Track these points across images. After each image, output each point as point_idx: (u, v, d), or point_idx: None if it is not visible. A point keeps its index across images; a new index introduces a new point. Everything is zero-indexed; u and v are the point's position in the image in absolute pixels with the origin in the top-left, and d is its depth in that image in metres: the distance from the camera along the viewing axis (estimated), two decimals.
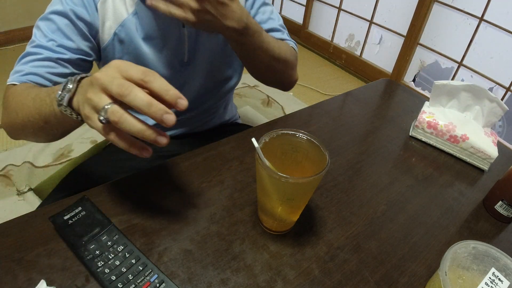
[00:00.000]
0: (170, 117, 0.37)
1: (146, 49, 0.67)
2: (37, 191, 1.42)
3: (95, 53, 0.66)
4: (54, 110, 0.47)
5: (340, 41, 2.62)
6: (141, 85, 0.38)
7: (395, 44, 2.26)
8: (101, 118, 0.38)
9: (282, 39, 0.78)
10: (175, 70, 0.71)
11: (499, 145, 0.71)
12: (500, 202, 0.57)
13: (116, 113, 0.37)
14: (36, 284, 0.39)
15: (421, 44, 2.12)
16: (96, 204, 0.48)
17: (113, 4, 0.63)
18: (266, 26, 0.77)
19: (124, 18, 0.64)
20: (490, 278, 0.42)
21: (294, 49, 0.80)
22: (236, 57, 0.79)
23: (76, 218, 0.45)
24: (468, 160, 0.69)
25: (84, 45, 0.63)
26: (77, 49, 0.62)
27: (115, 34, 0.64)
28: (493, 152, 0.66)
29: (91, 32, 0.63)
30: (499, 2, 1.74)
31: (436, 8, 1.99)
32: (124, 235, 0.45)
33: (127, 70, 0.38)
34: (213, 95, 0.83)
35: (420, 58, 2.17)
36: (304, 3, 2.75)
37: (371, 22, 2.35)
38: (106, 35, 0.64)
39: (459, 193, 0.63)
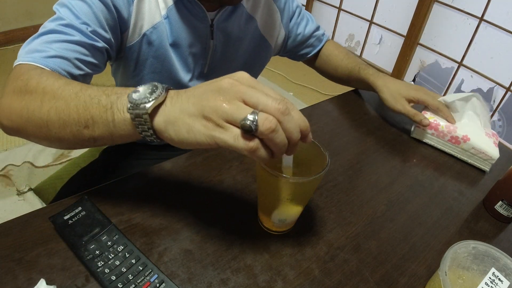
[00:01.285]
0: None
1: (172, 55, 0.65)
2: (37, 191, 1.42)
3: (116, 51, 0.61)
4: (113, 118, 0.38)
5: (340, 41, 2.62)
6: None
7: (395, 44, 2.26)
8: (251, 125, 0.31)
9: (322, 35, 0.87)
10: (194, 80, 0.71)
11: (499, 145, 0.71)
12: (500, 202, 0.57)
13: (272, 119, 0.31)
14: (36, 284, 0.39)
15: (421, 44, 2.12)
16: (96, 204, 0.48)
17: (149, 5, 0.60)
18: (307, 32, 0.83)
19: (157, 21, 0.61)
20: (490, 278, 0.42)
21: (334, 42, 0.90)
22: (255, 71, 0.82)
23: (76, 218, 0.45)
24: (469, 161, 0.69)
25: (114, 39, 0.58)
26: (108, 40, 0.56)
27: (145, 34, 0.61)
28: (495, 153, 0.66)
29: (122, 28, 0.59)
30: (499, 2, 1.74)
31: (436, 8, 1.99)
32: (124, 235, 0.45)
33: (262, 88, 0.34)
34: None
35: (420, 58, 2.17)
36: (304, 3, 2.75)
37: (371, 22, 2.34)
38: (136, 34, 0.61)
39: (459, 193, 0.63)
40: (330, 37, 0.91)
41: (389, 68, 2.33)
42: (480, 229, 0.57)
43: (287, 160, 0.41)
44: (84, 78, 0.54)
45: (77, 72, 0.51)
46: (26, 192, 1.38)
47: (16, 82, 0.45)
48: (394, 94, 0.74)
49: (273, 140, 0.32)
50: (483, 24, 1.82)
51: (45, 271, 0.41)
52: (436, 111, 0.71)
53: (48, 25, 0.51)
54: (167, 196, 0.53)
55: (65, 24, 0.51)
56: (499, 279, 0.41)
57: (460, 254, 0.44)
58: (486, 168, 0.68)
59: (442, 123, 0.70)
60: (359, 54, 2.50)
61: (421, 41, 2.12)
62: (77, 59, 0.51)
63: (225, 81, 0.33)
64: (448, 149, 0.71)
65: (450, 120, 0.70)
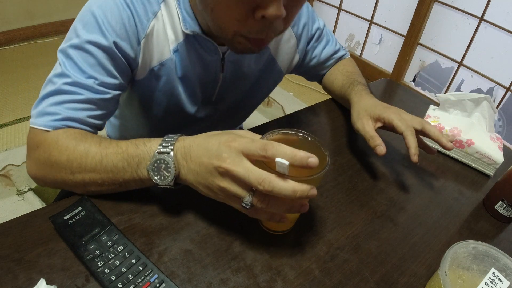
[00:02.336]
0: (314, 162, 0.38)
1: (180, 88, 0.63)
2: (37, 191, 1.42)
3: (129, 85, 0.61)
4: (140, 178, 0.47)
5: (340, 41, 2.62)
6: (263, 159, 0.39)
7: (395, 44, 2.26)
8: (247, 206, 0.40)
9: (340, 57, 0.82)
10: (201, 108, 0.70)
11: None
12: (500, 202, 0.57)
13: (263, 201, 0.40)
14: (36, 284, 0.39)
15: (421, 44, 2.12)
16: (96, 204, 0.48)
17: (157, 41, 0.57)
18: (323, 55, 0.79)
19: (166, 57, 0.58)
20: (490, 278, 0.42)
21: (351, 59, 0.84)
22: (263, 94, 0.79)
23: (76, 218, 0.45)
24: (473, 165, 0.69)
25: (124, 80, 0.57)
26: (119, 85, 0.55)
27: (152, 70, 0.59)
28: (499, 157, 0.66)
29: (131, 67, 0.57)
30: (499, 2, 1.73)
31: (436, 8, 1.99)
32: (124, 235, 0.45)
33: (249, 151, 0.39)
34: (234, 124, 0.85)
35: (420, 58, 2.17)
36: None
37: (371, 22, 2.34)
38: (144, 70, 0.59)
39: (459, 193, 0.63)
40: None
41: (389, 68, 2.33)
42: (480, 229, 0.57)
43: (282, 167, 0.39)
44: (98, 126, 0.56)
45: (89, 129, 0.53)
46: (26, 192, 1.38)
47: (37, 151, 0.50)
48: (360, 110, 0.64)
49: (269, 210, 0.41)
50: (483, 24, 1.82)
51: (45, 271, 0.41)
52: (406, 137, 0.56)
53: (54, 80, 0.51)
54: (167, 196, 0.53)
55: (71, 83, 0.50)
56: (499, 279, 0.41)
57: (460, 254, 0.44)
58: (490, 172, 0.68)
59: (446, 127, 0.69)
60: (359, 54, 2.50)
61: (421, 41, 2.11)
62: (88, 116, 0.52)
63: (222, 167, 0.40)
64: (452, 153, 0.70)
65: (441, 141, 0.57)
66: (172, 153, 0.44)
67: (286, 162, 0.37)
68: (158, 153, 0.44)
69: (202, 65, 0.62)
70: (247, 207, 0.40)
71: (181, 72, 0.61)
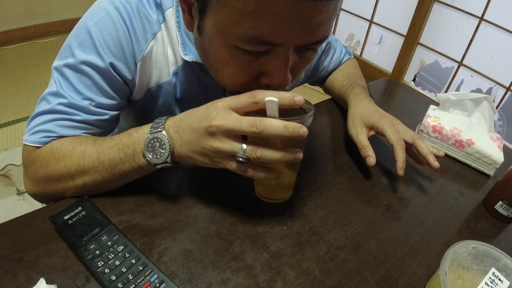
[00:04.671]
0: (300, 99, 0.38)
1: (177, 110, 0.61)
2: None
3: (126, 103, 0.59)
4: (139, 165, 0.47)
5: (340, 40, 2.62)
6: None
7: (395, 44, 2.26)
8: (242, 160, 0.40)
9: (342, 60, 0.82)
10: None
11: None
12: (500, 202, 0.57)
13: (256, 151, 0.39)
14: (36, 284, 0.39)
15: (421, 44, 2.12)
16: (96, 204, 0.48)
17: (155, 63, 0.54)
18: (331, 67, 0.79)
19: (164, 80, 0.56)
20: (490, 278, 0.42)
21: (353, 60, 0.84)
22: None
23: (76, 218, 0.45)
24: (473, 165, 0.69)
25: (123, 99, 0.55)
26: (116, 105, 0.54)
27: (149, 90, 0.57)
28: (499, 157, 0.65)
29: (130, 86, 0.55)
30: (499, 2, 1.73)
31: (436, 7, 1.99)
32: (124, 235, 0.45)
33: (237, 103, 0.39)
34: None
35: (420, 57, 2.17)
36: None
37: (371, 22, 2.34)
38: (141, 91, 0.57)
39: (459, 193, 0.63)
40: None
41: (389, 68, 2.33)
42: (480, 229, 0.57)
43: (272, 109, 0.39)
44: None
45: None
46: (26, 192, 1.38)
47: (33, 167, 0.50)
48: (355, 116, 0.64)
49: (266, 161, 0.40)
50: (483, 24, 1.82)
51: (45, 271, 0.41)
52: (395, 150, 0.56)
53: (49, 99, 0.50)
54: (167, 196, 0.53)
55: (67, 104, 0.49)
56: (499, 279, 0.41)
57: (460, 254, 0.44)
58: (491, 172, 0.68)
59: (447, 127, 0.69)
60: (359, 54, 2.50)
61: (421, 41, 2.11)
62: (84, 133, 0.51)
63: (213, 124, 0.39)
64: (452, 153, 0.70)
65: (431, 153, 0.57)
66: (164, 131, 0.44)
67: (276, 99, 0.38)
68: (151, 134, 0.44)
69: (203, 89, 0.60)
70: (243, 160, 0.40)
71: (180, 95, 0.59)
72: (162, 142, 0.44)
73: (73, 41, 0.49)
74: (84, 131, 0.51)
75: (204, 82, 0.59)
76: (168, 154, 0.44)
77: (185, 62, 0.56)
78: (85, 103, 0.50)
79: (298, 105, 0.38)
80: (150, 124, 0.46)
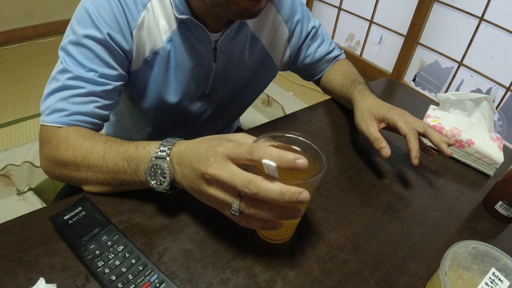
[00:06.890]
0: (303, 164, 0.35)
1: (173, 79, 0.64)
2: (37, 191, 1.42)
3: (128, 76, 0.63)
4: (140, 180, 0.47)
5: (340, 40, 2.62)
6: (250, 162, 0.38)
7: (395, 44, 2.26)
8: (236, 213, 0.39)
9: (335, 57, 0.82)
10: (194, 101, 0.70)
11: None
12: (500, 202, 0.57)
13: (251, 207, 0.38)
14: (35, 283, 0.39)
15: (421, 44, 2.12)
16: (96, 204, 0.48)
17: (148, 32, 0.58)
18: (317, 55, 0.79)
19: (158, 47, 0.60)
20: (490, 278, 0.42)
21: (347, 60, 0.84)
22: (257, 90, 0.79)
23: (76, 218, 0.45)
24: (473, 165, 0.69)
25: (124, 71, 0.59)
26: (118, 76, 0.57)
27: (145, 60, 0.60)
28: (499, 157, 0.66)
29: (129, 57, 0.59)
30: (499, 2, 1.73)
31: (436, 7, 1.99)
32: (124, 235, 0.45)
33: (235, 155, 0.38)
34: (229, 120, 0.85)
35: (420, 57, 2.17)
36: (304, 3, 2.75)
37: (371, 22, 2.34)
38: (139, 61, 0.60)
39: (459, 193, 0.63)
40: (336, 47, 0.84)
41: (389, 68, 2.33)
42: (480, 229, 0.57)
43: (270, 170, 0.36)
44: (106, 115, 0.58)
45: (95, 120, 0.55)
46: (26, 192, 1.38)
47: (47, 147, 0.52)
48: (364, 110, 0.63)
49: (259, 216, 0.38)
50: (483, 24, 1.82)
51: (45, 271, 0.41)
52: (409, 139, 0.57)
53: (58, 77, 0.53)
54: (167, 196, 0.52)
55: (73, 77, 0.53)
56: (499, 279, 0.41)
57: (460, 254, 0.44)
58: (491, 172, 0.68)
59: (447, 127, 0.69)
60: (359, 54, 2.50)
61: (421, 41, 2.11)
62: (95, 107, 0.54)
63: (208, 172, 0.38)
64: (452, 153, 0.70)
65: (442, 143, 0.57)
66: (168, 159, 0.44)
67: (273, 164, 0.35)
68: (155, 158, 0.45)
69: (195, 56, 0.63)
70: (236, 214, 0.38)
71: (174, 63, 0.62)
72: (164, 171, 0.44)
73: (73, 21, 0.55)
74: (94, 104, 0.54)
75: (196, 49, 0.62)
76: (168, 184, 0.44)
77: (179, 26, 0.59)
78: (90, 74, 0.53)
79: (300, 169, 0.35)
80: (158, 143, 0.46)
